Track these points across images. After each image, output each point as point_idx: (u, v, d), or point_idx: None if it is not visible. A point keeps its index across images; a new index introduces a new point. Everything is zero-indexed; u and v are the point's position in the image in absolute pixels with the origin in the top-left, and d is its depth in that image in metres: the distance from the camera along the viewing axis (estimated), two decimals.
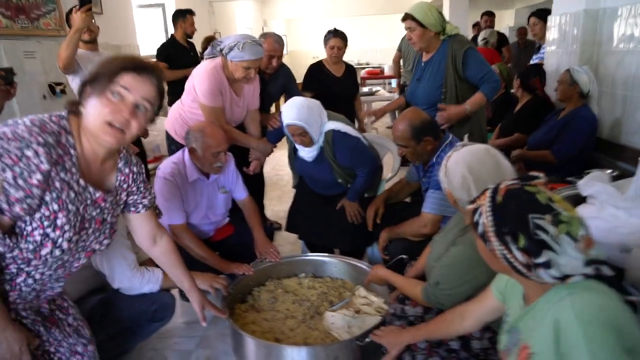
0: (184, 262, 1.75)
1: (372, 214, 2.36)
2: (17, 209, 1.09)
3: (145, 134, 3.80)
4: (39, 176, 1.09)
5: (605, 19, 2.71)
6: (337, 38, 3.36)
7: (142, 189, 1.44)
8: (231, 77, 2.52)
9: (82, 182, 1.22)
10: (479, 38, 4.99)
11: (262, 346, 1.75)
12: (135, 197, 1.43)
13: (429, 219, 2.00)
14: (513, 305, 1.21)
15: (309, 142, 2.34)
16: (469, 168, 1.40)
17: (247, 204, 2.53)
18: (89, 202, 1.25)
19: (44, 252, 1.17)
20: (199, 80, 2.49)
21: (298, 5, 10.94)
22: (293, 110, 2.29)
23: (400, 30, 5.76)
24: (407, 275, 1.83)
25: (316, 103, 2.37)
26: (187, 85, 2.62)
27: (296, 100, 2.36)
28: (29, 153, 1.07)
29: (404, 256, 1.88)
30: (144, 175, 1.46)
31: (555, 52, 3.21)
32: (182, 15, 4.31)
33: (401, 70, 5.67)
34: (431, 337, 1.51)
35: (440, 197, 1.97)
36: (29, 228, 1.14)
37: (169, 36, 4.55)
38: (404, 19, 2.53)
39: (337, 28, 3.45)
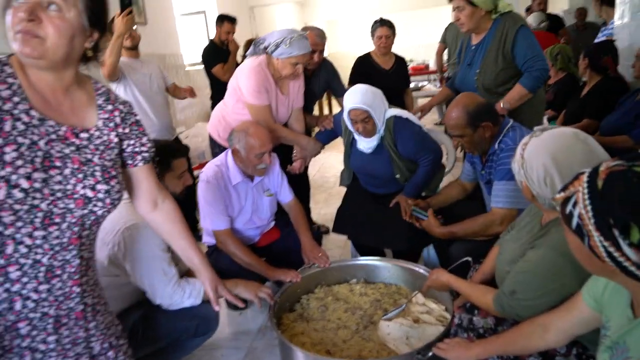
0: (192, 233, 1.49)
1: (405, 205, 2.19)
2: None
3: (192, 94, 3.63)
4: None
5: None
6: (384, 27, 3.20)
7: (136, 132, 1.25)
8: (277, 74, 2.42)
9: (34, 113, 1.06)
10: (529, 21, 4.63)
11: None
12: (132, 142, 1.24)
13: (502, 214, 1.77)
14: (615, 316, 0.99)
15: (371, 130, 2.22)
16: (553, 158, 1.18)
17: (294, 206, 2.40)
18: (53, 137, 1.08)
19: (0, 195, 0.98)
20: (245, 78, 2.39)
21: (338, 5, 10.83)
22: (357, 95, 2.21)
23: (442, 24, 5.47)
24: (473, 280, 1.62)
25: (378, 90, 2.27)
26: (230, 85, 2.54)
27: (359, 86, 2.27)
28: None
29: (469, 258, 1.67)
30: (139, 119, 1.27)
31: (628, 26, 2.87)
32: (220, 21, 4.30)
33: (444, 64, 5.40)
34: (506, 352, 1.30)
35: (512, 188, 1.74)
36: None
37: (208, 41, 4.55)
38: None
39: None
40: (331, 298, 2.11)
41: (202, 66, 4.56)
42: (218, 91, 3.85)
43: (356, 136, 2.33)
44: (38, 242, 1.04)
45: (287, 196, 2.40)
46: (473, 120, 1.81)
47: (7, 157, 0.99)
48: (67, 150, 1.09)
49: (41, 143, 1.05)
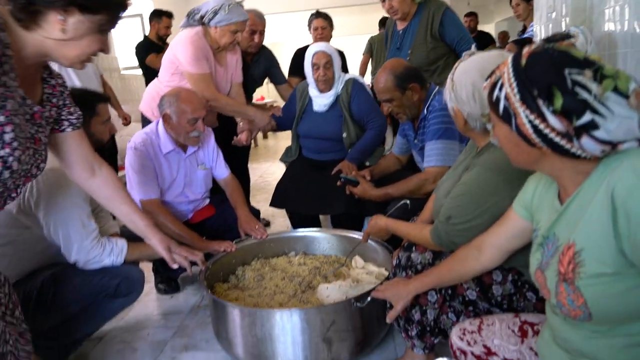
0: (132, 200, 1.48)
1: (347, 170, 2.21)
2: None
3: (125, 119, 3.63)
4: None
5: None
6: (319, 18, 3.26)
7: (68, 102, 1.23)
8: (214, 45, 2.35)
9: (21, 91, 1.01)
10: None
11: (248, 314, 1.49)
12: (61, 111, 1.22)
13: (435, 172, 1.79)
14: (544, 215, 0.99)
15: (330, 79, 2.34)
16: (480, 74, 1.20)
17: (230, 182, 2.31)
18: (28, 117, 1.04)
19: None
20: (182, 47, 2.29)
21: (282, 27, 11.00)
22: (321, 44, 2.41)
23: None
24: None
25: None
26: (165, 58, 2.43)
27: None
28: None
29: (407, 201, 1.65)
30: (68, 88, 1.27)
31: (545, 26, 3.11)
32: (158, 16, 4.20)
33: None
34: (443, 282, 1.28)
35: (443, 146, 1.79)
36: None
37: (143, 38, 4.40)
38: None
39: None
40: (268, 268, 2.01)
41: (139, 70, 4.40)
42: (151, 75, 3.72)
43: (313, 93, 2.41)
44: None
45: (223, 172, 2.31)
46: (401, 82, 1.86)
47: (7, 137, 0.95)
48: (32, 130, 1.07)
49: (23, 123, 1.02)
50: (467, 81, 1.22)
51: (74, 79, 3.07)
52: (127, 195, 1.43)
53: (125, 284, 1.58)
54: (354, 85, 2.36)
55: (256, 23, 2.74)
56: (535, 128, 0.82)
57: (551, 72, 0.80)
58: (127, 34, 5.56)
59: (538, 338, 1.06)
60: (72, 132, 1.26)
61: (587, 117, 0.77)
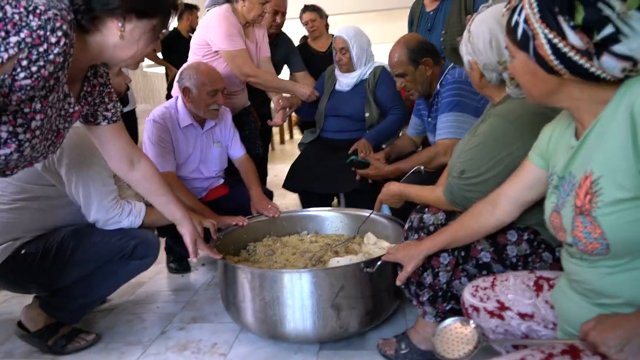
0: (171, 189, 1.55)
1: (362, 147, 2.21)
2: (13, 97, 0.92)
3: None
4: (51, 69, 0.92)
5: None
6: (307, 12, 3.23)
7: (106, 99, 1.29)
8: (242, 20, 2.35)
9: (66, 88, 1.07)
10: None
11: (256, 275, 1.47)
12: (97, 108, 1.28)
13: (446, 145, 1.76)
14: (560, 157, 0.96)
15: (346, 63, 2.39)
16: (498, 22, 1.17)
17: (244, 162, 2.31)
18: (63, 112, 1.10)
19: (1, 152, 1.00)
20: (214, 25, 2.27)
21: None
22: (344, 28, 2.43)
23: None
24: None
25: (366, 36, 2.45)
26: (194, 43, 2.42)
27: (352, 25, 2.50)
28: (53, 39, 0.90)
29: (421, 167, 1.62)
30: (111, 90, 1.32)
31: None
32: (190, 9, 4.27)
33: None
34: (457, 240, 1.23)
35: (455, 119, 1.76)
36: None
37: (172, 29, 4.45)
38: None
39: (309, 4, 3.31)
40: (279, 244, 1.99)
41: (161, 68, 4.42)
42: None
43: (337, 73, 2.47)
44: None
45: (238, 151, 2.31)
46: (414, 56, 1.85)
47: (33, 124, 1.01)
48: (61, 126, 1.13)
49: (54, 117, 1.07)
50: (484, 29, 1.20)
51: None
52: (165, 186, 1.49)
53: (142, 246, 1.59)
54: (383, 71, 2.39)
55: (279, 4, 2.75)
56: (554, 47, 0.79)
57: None
58: None
59: (553, 289, 1.01)
60: (108, 125, 1.32)
61: (609, 29, 0.75)
